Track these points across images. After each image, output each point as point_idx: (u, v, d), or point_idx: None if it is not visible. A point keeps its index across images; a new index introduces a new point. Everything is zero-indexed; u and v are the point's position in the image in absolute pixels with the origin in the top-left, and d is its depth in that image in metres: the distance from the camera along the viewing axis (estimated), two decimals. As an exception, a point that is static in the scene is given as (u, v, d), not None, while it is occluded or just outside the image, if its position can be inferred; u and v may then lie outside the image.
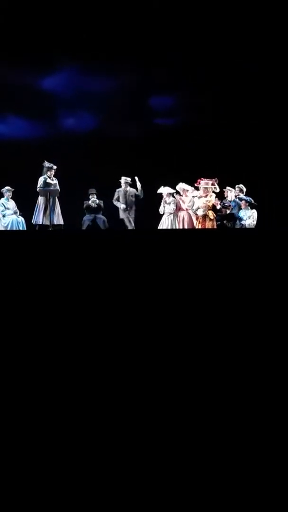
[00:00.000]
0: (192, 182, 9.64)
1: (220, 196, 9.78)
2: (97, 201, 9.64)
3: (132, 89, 11.17)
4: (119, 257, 5.81)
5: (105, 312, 4.53)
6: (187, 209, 9.30)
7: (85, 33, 10.74)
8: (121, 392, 3.34)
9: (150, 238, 7.84)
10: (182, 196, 9.43)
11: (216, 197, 9.45)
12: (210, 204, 9.16)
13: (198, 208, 9.15)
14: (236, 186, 9.84)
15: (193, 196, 9.29)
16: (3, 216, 9.29)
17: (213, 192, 9.29)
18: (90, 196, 9.68)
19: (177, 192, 9.47)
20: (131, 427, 2.94)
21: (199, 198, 9.22)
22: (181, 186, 9.40)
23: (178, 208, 9.34)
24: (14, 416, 3.08)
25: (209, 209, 9.12)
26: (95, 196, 9.66)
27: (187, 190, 9.37)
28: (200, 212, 9.13)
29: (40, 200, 9.40)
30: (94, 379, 3.47)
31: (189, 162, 10.62)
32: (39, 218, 9.30)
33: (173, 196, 9.39)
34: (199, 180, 9.36)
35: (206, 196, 9.18)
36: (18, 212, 9.46)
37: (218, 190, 9.39)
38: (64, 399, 3.25)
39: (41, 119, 11.26)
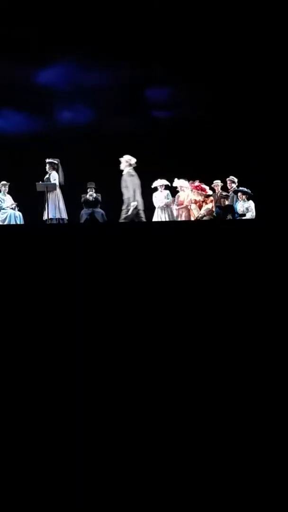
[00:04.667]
0: (190, 174, 9.62)
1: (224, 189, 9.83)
2: (95, 194, 9.62)
3: (128, 81, 11.13)
4: (118, 251, 5.79)
5: (107, 306, 4.51)
6: (187, 206, 9.29)
7: (81, 26, 10.69)
8: (121, 391, 3.34)
9: (151, 230, 7.72)
10: (179, 192, 9.41)
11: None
12: (212, 208, 9.25)
13: (204, 216, 9.15)
14: (227, 178, 9.82)
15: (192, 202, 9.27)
16: (1, 210, 9.27)
17: (209, 195, 9.33)
18: (88, 190, 9.65)
19: (175, 188, 9.44)
20: (131, 425, 2.93)
21: (199, 204, 9.25)
22: (179, 182, 9.38)
23: (179, 204, 9.32)
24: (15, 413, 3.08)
25: (211, 214, 9.20)
26: (93, 190, 9.63)
27: (186, 187, 9.35)
28: (205, 219, 9.16)
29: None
30: (93, 373, 3.46)
31: (187, 154, 10.61)
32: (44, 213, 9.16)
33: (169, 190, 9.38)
34: (198, 185, 9.33)
35: (206, 202, 9.22)
36: (16, 206, 9.43)
37: (211, 192, 9.44)
38: (64, 399, 3.24)
39: (38, 113, 11.22)
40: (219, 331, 4.04)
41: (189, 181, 9.55)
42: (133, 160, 7.98)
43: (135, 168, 8.08)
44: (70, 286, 4.70)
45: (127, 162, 8.00)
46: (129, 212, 7.87)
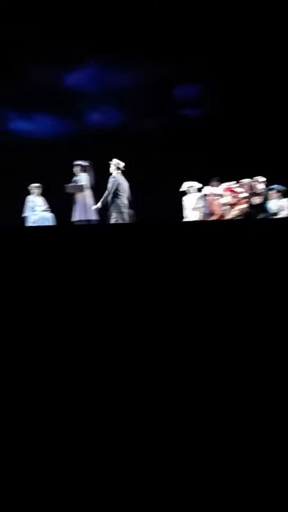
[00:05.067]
0: (221, 172, 9.50)
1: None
2: (124, 195, 9.60)
3: (156, 80, 11.10)
4: (120, 252, 5.74)
5: (108, 308, 4.45)
6: (221, 214, 9.10)
7: (107, 27, 10.72)
8: (122, 392, 3.31)
9: (157, 231, 7.60)
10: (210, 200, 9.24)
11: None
12: (246, 208, 9.09)
13: (238, 216, 9.01)
14: (253, 179, 9.60)
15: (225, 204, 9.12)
16: (32, 212, 9.38)
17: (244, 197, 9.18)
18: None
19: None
20: (132, 424, 2.90)
21: (232, 206, 9.09)
22: (211, 190, 9.21)
23: (210, 213, 9.16)
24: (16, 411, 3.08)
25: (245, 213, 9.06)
26: (122, 191, 9.62)
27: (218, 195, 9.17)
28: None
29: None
30: (93, 375, 3.45)
31: (218, 153, 10.49)
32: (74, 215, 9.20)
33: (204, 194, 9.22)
34: (229, 187, 9.17)
35: (238, 203, 9.08)
36: (47, 208, 9.53)
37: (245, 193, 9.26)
38: (64, 399, 3.22)
39: (67, 115, 11.31)
40: (230, 338, 3.96)
41: (216, 182, 9.39)
42: (121, 164, 8.23)
43: (123, 172, 8.28)
44: (70, 288, 4.64)
45: (115, 165, 8.25)
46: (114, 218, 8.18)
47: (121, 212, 8.04)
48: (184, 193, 9.23)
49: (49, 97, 11.08)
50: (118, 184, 8.07)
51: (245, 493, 2.50)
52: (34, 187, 9.51)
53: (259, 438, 2.91)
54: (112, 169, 8.25)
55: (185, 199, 9.23)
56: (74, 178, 9.44)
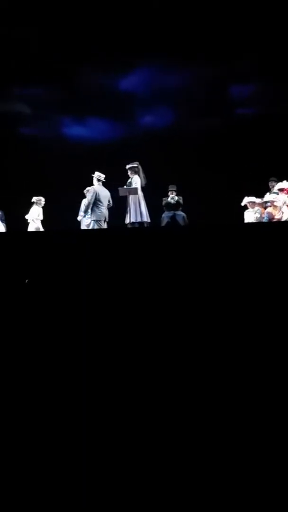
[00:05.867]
0: (277, 173, 9.26)
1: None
2: (176, 197, 9.56)
3: (209, 80, 10.98)
4: (200, 254, 5.67)
5: (111, 312, 4.41)
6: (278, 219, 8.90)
7: (158, 29, 10.70)
8: (124, 395, 3.27)
9: (235, 233, 7.54)
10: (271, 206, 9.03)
11: None
12: None
13: None
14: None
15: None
16: (85, 216, 9.50)
17: None
18: (169, 193, 9.62)
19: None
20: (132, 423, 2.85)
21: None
22: (270, 197, 8.99)
23: (270, 220, 8.96)
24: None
25: None
26: (174, 193, 9.58)
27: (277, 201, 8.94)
28: None
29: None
30: (96, 379, 3.42)
31: (274, 152, 10.25)
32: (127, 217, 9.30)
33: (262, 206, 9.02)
34: (286, 188, 8.92)
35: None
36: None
37: None
38: (67, 402, 3.21)
39: (120, 119, 11.40)
40: (234, 344, 3.83)
41: (274, 182, 9.16)
42: (102, 176, 8.93)
43: (103, 183, 8.94)
44: (74, 292, 4.61)
45: (96, 178, 8.94)
46: (83, 222, 8.83)
47: (98, 221, 8.69)
48: (245, 207, 9.09)
49: (103, 102, 11.21)
50: (97, 195, 8.72)
51: (244, 489, 2.44)
52: (87, 191, 9.64)
53: (258, 435, 2.83)
54: (94, 181, 8.96)
55: (246, 214, 9.11)
56: (128, 181, 9.49)
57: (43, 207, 9.61)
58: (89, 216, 8.90)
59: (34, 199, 9.57)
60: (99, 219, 8.59)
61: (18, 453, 2.92)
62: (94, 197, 8.57)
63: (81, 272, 4.62)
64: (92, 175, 8.92)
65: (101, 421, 3.09)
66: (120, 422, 3.04)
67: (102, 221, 8.68)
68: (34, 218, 9.43)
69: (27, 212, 9.66)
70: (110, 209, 9.34)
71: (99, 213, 8.63)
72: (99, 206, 8.62)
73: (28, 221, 9.48)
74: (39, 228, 9.45)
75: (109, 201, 8.84)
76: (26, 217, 9.45)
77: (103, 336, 4.09)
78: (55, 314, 4.41)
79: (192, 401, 3.23)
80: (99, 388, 3.39)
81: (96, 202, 8.60)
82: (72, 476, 2.68)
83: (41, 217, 9.56)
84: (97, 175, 8.88)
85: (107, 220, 8.78)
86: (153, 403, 3.20)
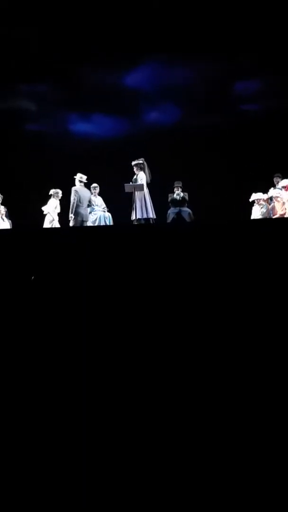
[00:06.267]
0: (281, 170, 9.27)
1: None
2: (182, 194, 9.59)
3: (213, 76, 10.97)
4: (206, 249, 5.69)
5: (111, 312, 4.43)
6: (283, 214, 8.92)
7: (163, 25, 10.70)
8: (124, 395, 3.30)
9: (240, 230, 7.55)
10: (274, 202, 9.05)
11: None
12: None
13: None
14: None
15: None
16: (91, 212, 9.55)
17: None
18: (175, 189, 9.65)
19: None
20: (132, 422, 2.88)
21: None
22: (274, 192, 9.02)
23: (274, 215, 8.98)
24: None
25: None
26: (179, 189, 9.61)
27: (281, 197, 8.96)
28: None
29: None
30: (96, 379, 3.45)
31: (280, 148, 10.24)
32: (133, 213, 9.34)
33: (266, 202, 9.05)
34: None
35: None
36: (106, 207, 9.68)
37: None
38: (67, 401, 3.24)
39: (125, 115, 11.41)
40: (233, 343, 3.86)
41: (279, 178, 9.17)
42: (84, 177, 9.23)
43: (85, 184, 9.26)
44: (74, 290, 4.63)
45: (78, 179, 9.23)
46: (70, 223, 9.09)
47: (82, 220, 9.05)
48: (253, 203, 9.12)
49: (108, 98, 11.22)
50: (79, 196, 9.03)
51: (244, 488, 2.47)
52: (93, 187, 9.69)
53: (257, 435, 2.86)
54: (76, 182, 9.26)
55: (254, 209, 9.14)
56: (134, 177, 9.52)
57: (60, 200, 9.72)
58: (72, 216, 9.14)
59: (51, 191, 9.61)
60: (82, 219, 8.95)
61: (18, 453, 2.97)
62: (77, 198, 8.88)
63: (81, 270, 4.65)
64: (74, 176, 9.22)
65: (101, 421, 3.13)
66: (120, 422, 3.09)
67: (84, 221, 9.07)
68: (51, 211, 9.48)
69: (33, 208, 9.71)
70: (114, 205, 9.47)
71: (82, 213, 9.01)
72: (79, 206, 9.01)
73: (45, 212, 9.52)
74: (55, 221, 9.46)
75: (89, 201, 9.20)
76: (43, 208, 9.51)
77: (103, 336, 4.12)
78: (55, 313, 4.44)
79: (192, 401, 3.26)
80: (99, 388, 3.43)
81: (77, 202, 8.93)
82: (72, 476, 2.73)
83: (58, 210, 9.61)
84: (79, 176, 9.19)
85: (85, 220, 9.13)
86: (153, 403, 3.24)
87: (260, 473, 2.57)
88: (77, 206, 8.92)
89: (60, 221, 9.50)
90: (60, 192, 9.61)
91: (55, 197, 9.56)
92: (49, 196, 9.54)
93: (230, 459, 2.68)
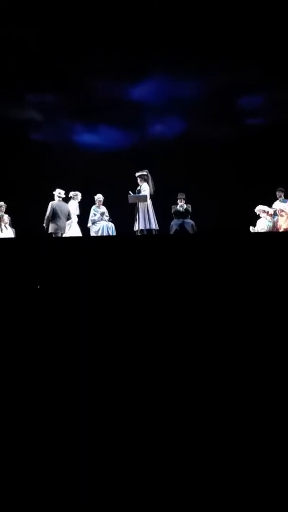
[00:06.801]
0: (284, 184, 9.31)
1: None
2: (185, 205, 9.62)
3: (219, 89, 11.05)
4: (208, 261, 5.71)
5: (111, 317, 4.45)
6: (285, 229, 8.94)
7: (169, 39, 10.80)
8: (124, 396, 3.30)
9: (243, 242, 7.59)
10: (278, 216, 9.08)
11: None
12: None
13: None
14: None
15: None
16: (94, 222, 9.59)
17: None
18: (178, 201, 9.68)
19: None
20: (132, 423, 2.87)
21: None
22: (279, 205, 9.07)
23: (276, 229, 9.01)
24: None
25: None
26: (183, 201, 9.64)
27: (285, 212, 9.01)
28: None
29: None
30: (95, 382, 3.45)
31: (283, 163, 10.28)
32: (135, 224, 9.41)
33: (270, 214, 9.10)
34: None
35: None
36: (109, 218, 9.72)
37: None
38: (67, 403, 3.24)
39: (131, 128, 11.50)
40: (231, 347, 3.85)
41: (282, 192, 9.21)
42: (62, 193, 9.55)
43: (64, 199, 9.56)
44: (75, 301, 4.65)
45: (57, 195, 9.53)
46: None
47: (55, 233, 9.34)
48: (259, 215, 9.17)
49: (114, 110, 11.31)
50: (55, 210, 9.38)
51: (243, 488, 2.47)
52: (96, 198, 9.74)
53: (257, 435, 2.86)
54: (55, 197, 9.56)
55: (258, 222, 9.17)
56: (138, 188, 9.56)
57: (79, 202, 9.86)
58: (69, 223, 9.52)
59: (71, 194, 9.82)
60: (55, 232, 9.30)
61: (18, 453, 2.96)
62: (51, 212, 9.26)
63: (82, 280, 4.67)
64: (53, 192, 9.51)
65: (100, 421, 3.13)
66: (120, 422, 3.09)
67: (59, 234, 9.42)
68: (72, 212, 9.60)
69: (37, 217, 9.77)
70: (116, 216, 9.53)
71: (56, 227, 9.31)
72: (57, 220, 9.33)
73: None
74: (73, 223, 9.68)
75: (68, 215, 9.46)
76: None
77: (103, 337, 4.12)
78: (54, 316, 4.45)
79: (192, 402, 3.26)
80: (98, 389, 3.43)
81: (54, 216, 9.32)
82: (72, 476, 2.72)
83: (78, 212, 9.83)
84: (58, 192, 9.49)
85: (64, 232, 9.44)
86: (153, 404, 3.24)
87: (260, 473, 2.55)
88: (54, 219, 9.29)
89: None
90: (79, 194, 9.86)
91: (74, 199, 9.74)
92: (69, 199, 9.74)
93: (229, 459, 2.67)
